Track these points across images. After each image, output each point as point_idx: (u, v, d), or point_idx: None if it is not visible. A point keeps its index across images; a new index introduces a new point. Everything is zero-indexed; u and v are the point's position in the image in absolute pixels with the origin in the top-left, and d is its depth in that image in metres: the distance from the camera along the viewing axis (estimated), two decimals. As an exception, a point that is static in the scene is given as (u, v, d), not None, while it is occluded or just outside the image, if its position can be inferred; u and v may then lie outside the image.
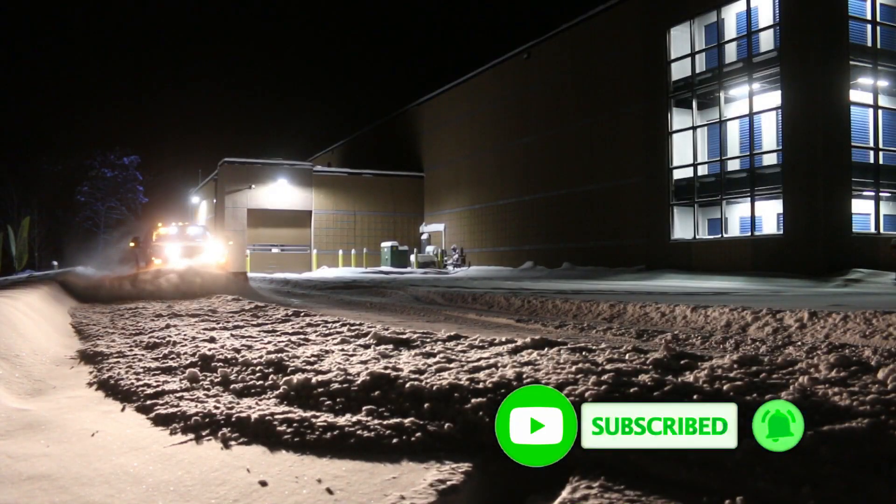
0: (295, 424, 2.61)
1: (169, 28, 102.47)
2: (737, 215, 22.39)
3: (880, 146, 19.36)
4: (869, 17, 19.28)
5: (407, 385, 3.00)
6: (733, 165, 21.40)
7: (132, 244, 17.81)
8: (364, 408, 2.82)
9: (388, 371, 3.31)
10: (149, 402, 3.17)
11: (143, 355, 4.77)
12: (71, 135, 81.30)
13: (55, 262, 46.30)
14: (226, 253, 17.06)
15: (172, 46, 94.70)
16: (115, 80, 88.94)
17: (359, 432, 2.48)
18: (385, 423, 2.57)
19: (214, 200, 38.30)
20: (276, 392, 3.22)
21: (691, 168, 22.08)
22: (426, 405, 2.73)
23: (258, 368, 3.81)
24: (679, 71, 22.32)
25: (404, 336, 4.95)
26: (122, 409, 3.16)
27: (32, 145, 66.71)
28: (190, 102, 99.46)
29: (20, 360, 4.07)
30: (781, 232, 19.21)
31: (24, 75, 77.94)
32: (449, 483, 2.03)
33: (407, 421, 2.59)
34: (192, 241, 16.93)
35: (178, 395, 3.27)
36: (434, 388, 2.89)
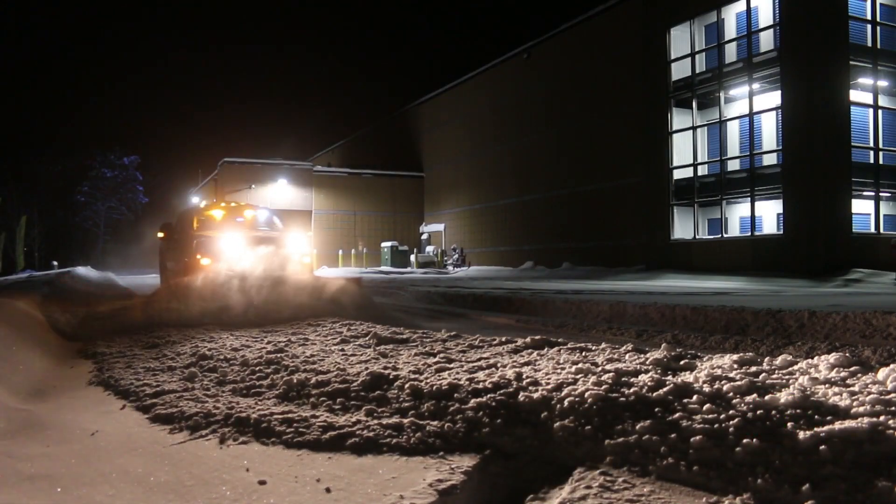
0: (294, 424, 2.61)
1: (169, 28, 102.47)
2: (737, 215, 22.38)
3: (880, 146, 19.35)
4: (869, 17, 19.27)
5: (406, 385, 3.00)
6: (733, 165, 21.39)
7: (161, 235, 11.73)
8: (364, 408, 2.82)
9: (387, 371, 3.31)
10: (148, 401, 3.17)
11: (142, 354, 4.77)
12: (71, 135, 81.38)
13: (55, 262, 46.27)
14: (312, 250, 10.60)
15: (173, 47, 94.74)
16: (115, 80, 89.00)
17: (358, 432, 2.48)
18: (384, 422, 2.57)
19: (215, 200, 38.31)
20: (276, 392, 3.22)
21: (691, 168, 22.07)
22: (426, 405, 2.73)
23: (258, 368, 3.81)
24: (679, 71, 22.31)
25: (404, 336, 4.95)
26: (122, 409, 3.16)
27: (32, 145, 66.81)
28: (190, 102, 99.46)
29: (20, 359, 4.06)
30: (781, 232, 19.20)
31: (24, 75, 77.95)
32: (448, 483, 2.03)
33: (406, 421, 2.59)
34: (258, 230, 10.82)
35: (177, 394, 3.27)
36: (434, 387, 2.89)
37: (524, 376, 2.98)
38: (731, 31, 21.49)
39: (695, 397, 2.40)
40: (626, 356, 3.42)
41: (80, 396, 3.49)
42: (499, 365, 3.44)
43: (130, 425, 2.86)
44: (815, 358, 2.82)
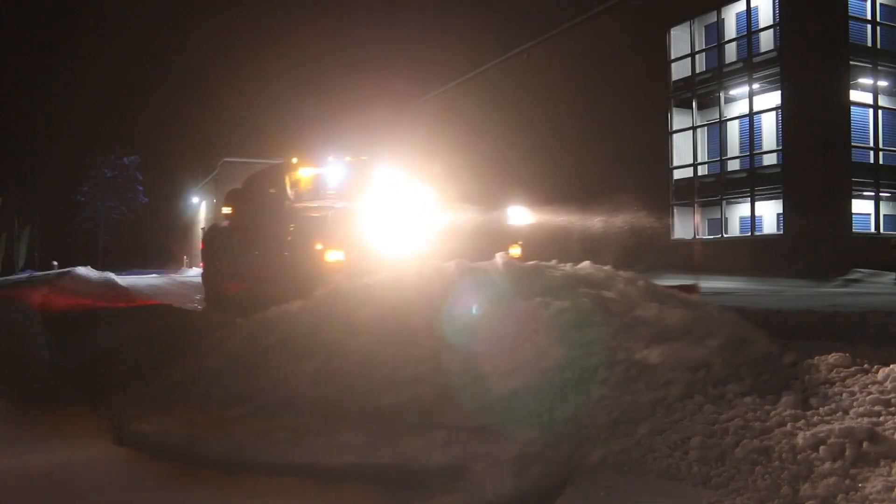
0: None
1: (169, 28, 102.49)
2: (737, 215, 22.36)
3: (880, 146, 19.32)
4: (869, 17, 19.25)
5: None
6: (733, 165, 21.37)
7: (227, 211, 6.81)
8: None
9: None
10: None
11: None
12: (71, 135, 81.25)
13: (55, 262, 46.24)
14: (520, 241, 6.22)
15: (172, 46, 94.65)
16: (115, 81, 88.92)
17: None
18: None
19: (214, 200, 38.26)
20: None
21: (691, 168, 22.07)
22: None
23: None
24: (679, 71, 22.29)
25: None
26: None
27: (32, 145, 66.72)
28: (190, 102, 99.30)
29: (20, 361, 4.07)
30: (782, 232, 19.18)
31: (24, 75, 77.95)
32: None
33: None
34: (427, 202, 6.31)
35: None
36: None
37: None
38: (731, 31, 21.47)
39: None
40: (627, 356, 3.41)
41: (80, 396, 3.47)
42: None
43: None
44: (815, 358, 2.82)
